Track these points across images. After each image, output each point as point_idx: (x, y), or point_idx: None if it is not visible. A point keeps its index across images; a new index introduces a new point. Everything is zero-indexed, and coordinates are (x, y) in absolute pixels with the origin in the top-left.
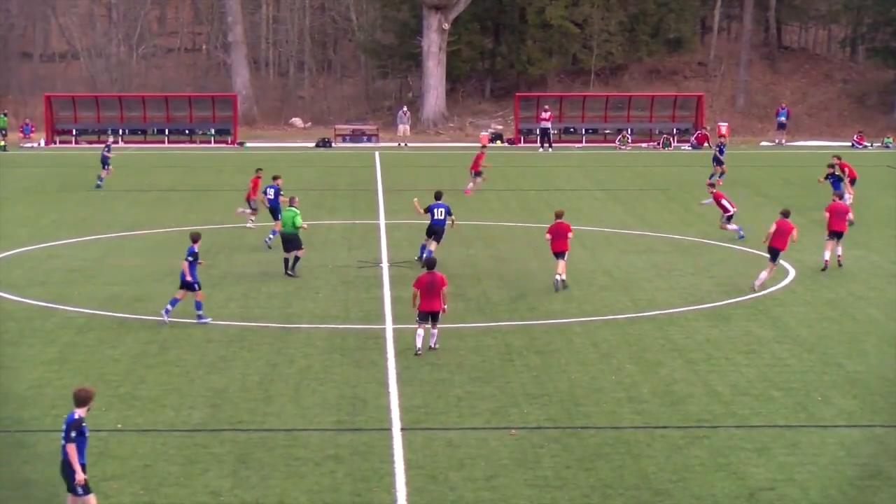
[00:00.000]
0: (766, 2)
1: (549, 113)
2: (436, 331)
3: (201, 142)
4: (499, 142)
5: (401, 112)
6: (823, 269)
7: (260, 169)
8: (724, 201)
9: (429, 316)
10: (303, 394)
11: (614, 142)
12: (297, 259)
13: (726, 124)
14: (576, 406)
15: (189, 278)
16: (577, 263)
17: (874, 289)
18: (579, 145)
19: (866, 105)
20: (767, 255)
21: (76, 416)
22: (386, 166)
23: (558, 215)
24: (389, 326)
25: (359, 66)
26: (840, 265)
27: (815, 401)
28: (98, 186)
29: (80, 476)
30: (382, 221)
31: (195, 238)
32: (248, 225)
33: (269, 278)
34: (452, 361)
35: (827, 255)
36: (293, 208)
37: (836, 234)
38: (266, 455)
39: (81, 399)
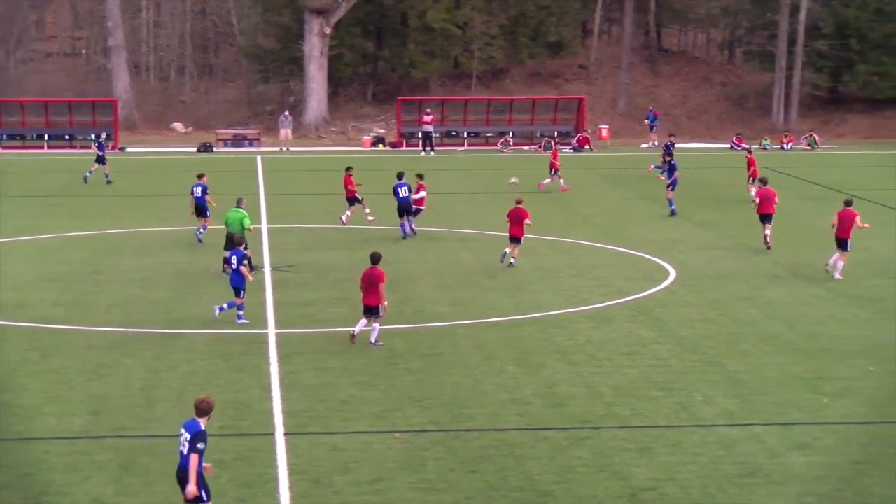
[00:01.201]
0: (646, 5)
1: (431, 116)
2: (376, 326)
3: (82, 147)
4: (381, 145)
5: (283, 116)
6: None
7: (351, 168)
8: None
9: (369, 310)
10: (186, 399)
11: (496, 145)
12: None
13: (607, 127)
14: (460, 409)
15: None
16: (461, 266)
17: (755, 289)
18: (462, 149)
19: (745, 107)
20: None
21: (202, 427)
22: (268, 171)
23: (518, 201)
24: (272, 331)
25: (240, 70)
26: (768, 247)
27: (696, 401)
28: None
29: (192, 489)
30: (265, 226)
31: (240, 242)
32: (369, 218)
33: (153, 284)
34: (337, 365)
35: (769, 240)
36: (241, 209)
37: (766, 217)
38: (150, 461)
39: (204, 409)
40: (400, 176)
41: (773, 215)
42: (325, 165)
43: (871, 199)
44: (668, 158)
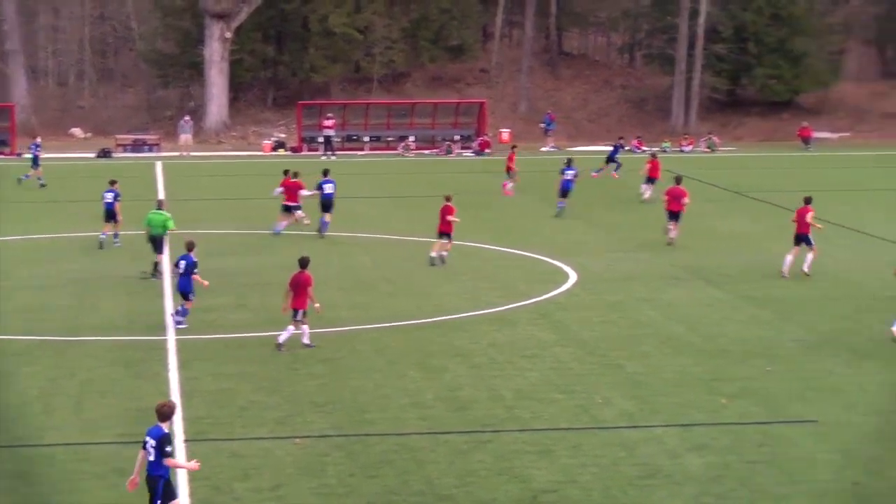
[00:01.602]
0: (546, 9)
1: (332, 120)
2: (305, 328)
3: None
4: (282, 150)
5: (183, 121)
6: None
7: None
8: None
9: (297, 313)
10: (85, 407)
11: (397, 149)
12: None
13: (508, 130)
14: (361, 413)
15: (202, 283)
16: (362, 271)
17: (655, 291)
18: (362, 153)
19: (645, 110)
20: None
21: (165, 431)
22: (168, 176)
23: (447, 198)
24: (172, 337)
25: (140, 75)
26: (671, 243)
27: (596, 403)
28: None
29: (192, 465)
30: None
31: (191, 247)
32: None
33: (55, 290)
34: (237, 371)
35: (672, 235)
36: (163, 212)
37: (673, 215)
38: (47, 470)
39: (166, 413)
40: (325, 172)
41: (682, 213)
42: (226, 171)
43: (769, 200)
44: (612, 160)
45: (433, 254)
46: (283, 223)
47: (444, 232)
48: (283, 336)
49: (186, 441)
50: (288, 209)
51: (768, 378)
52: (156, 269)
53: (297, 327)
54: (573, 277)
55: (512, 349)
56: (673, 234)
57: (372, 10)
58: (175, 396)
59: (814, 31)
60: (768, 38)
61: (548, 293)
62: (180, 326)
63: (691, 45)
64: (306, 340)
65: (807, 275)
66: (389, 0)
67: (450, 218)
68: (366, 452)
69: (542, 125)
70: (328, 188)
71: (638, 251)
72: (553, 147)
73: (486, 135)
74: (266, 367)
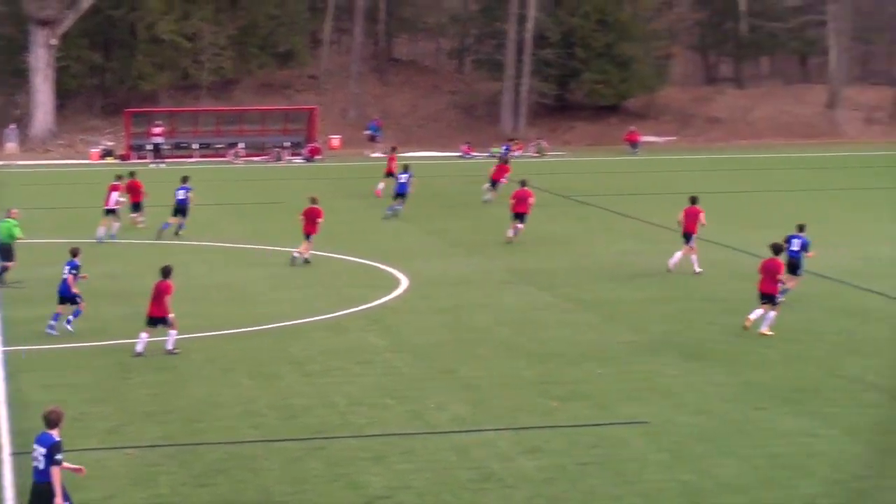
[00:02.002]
0: (375, 15)
1: (160, 128)
2: (172, 333)
3: None
4: (110, 158)
5: (8, 130)
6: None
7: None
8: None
9: (155, 321)
10: None
11: (227, 156)
12: (4, 269)
13: (339, 137)
14: (193, 422)
15: (74, 290)
16: (195, 279)
17: (487, 296)
18: (192, 160)
19: (474, 116)
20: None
21: (56, 438)
22: None
23: (313, 200)
24: (0, 349)
25: None
26: (510, 241)
27: (429, 407)
28: None
29: (59, 501)
30: None
31: (75, 252)
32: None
33: None
34: (67, 382)
35: (511, 233)
36: (11, 220)
37: (519, 216)
38: None
39: (54, 420)
40: (184, 179)
41: (527, 215)
42: (54, 179)
43: (597, 204)
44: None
45: (296, 254)
46: (101, 230)
47: (309, 233)
48: (139, 345)
49: (14, 454)
50: (111, 212)
51: (599, 380)
52: (1, 278)
53: (151, 335)
54: (405, 283)
55: (345, 356)
56: (511, 234)
57: (200, 16)
58: (2, 408)
59: (640, 36)
60: (596, 44)
61: (380, 299)
62: (51, 332)
63: (520, 51)
64: (170, 346)
65: (697, 273)
66: (217, 7)
67: (320, 221)
68: (199, 461)
69: (368, 131)
70: (180, 194)
71: (469, 256)
72: (383, 154)
73: (316, 141)
74: (98, 377)
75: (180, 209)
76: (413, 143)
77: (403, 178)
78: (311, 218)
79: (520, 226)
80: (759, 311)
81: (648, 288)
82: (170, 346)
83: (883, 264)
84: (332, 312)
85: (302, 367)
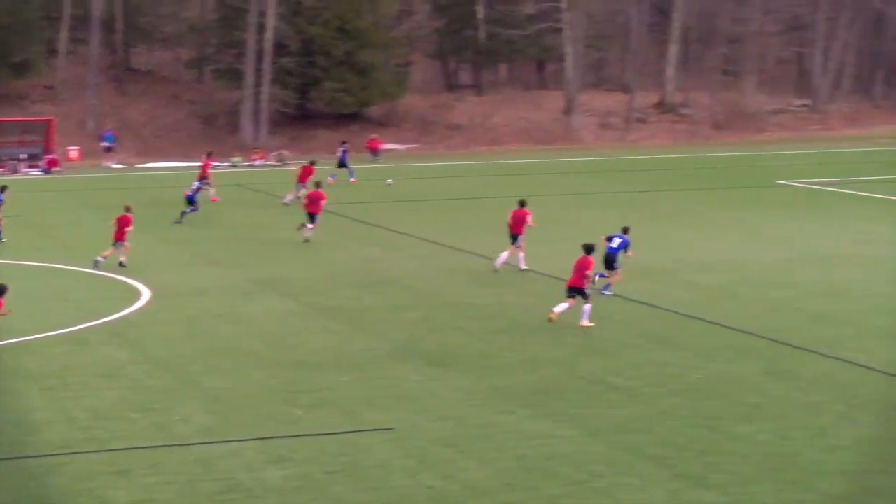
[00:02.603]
0: (112, 24)
1: None
2: None
3: None
4: None
5: None
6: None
7: None
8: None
9: None
10: None
11: None
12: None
13: (77, 148)
14: None
15: None
16: None
17: (231, 306)
18: None
19: (215, 125)
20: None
21: None
22: None
23: (126, 209)
24: None
25: None
26: (307, 241)
27: (174, 420)
28: None
29: None
30: None
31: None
32: None
33: None
34: None
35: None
36: None
37: (311, 217)
38: None
39: None
40: (3, 189)
41: (318, 215)
42: None
43: (340, 212)
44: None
45: (99, 258)
46: None
47: (119, 240)
48: None
49: None
50: None
51: (345, 388)
52: None
53: None
54: (147, 294)
55: (86, 370)
56: (308, 234)
57: None
58: None
59: (380, 44)
60: (336, 52)
61: (121, 311)
62: None
63: (259, 60)
64: None
65: (522, 270)
66: None
67: (129, 229)
68: None
69: (104, 143)
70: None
71: (212, 266)
72: (119, 164)
73: (54, 153)
74: None
75: None
76: (153, 154)
77: (195, 186)
78: (120, 226)
79: (310, 226)
80: (563, 306)
81: (392, 295)
82: None
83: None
84: (72, 326)
85: (41, 382)
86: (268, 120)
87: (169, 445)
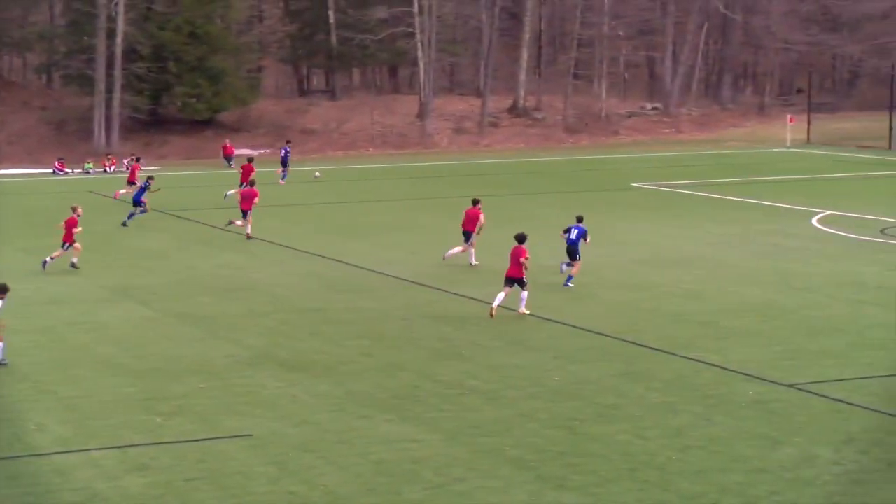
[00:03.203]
0: None
1: None
2: None
3: None
4: None
5: None
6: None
7: None
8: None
9: None
10: None
11: None
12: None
13: None
14: None
15: None
16: None
17: (85, 314)
18: None
19: (66, 132)
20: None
21: None
22: None
23: (73, 209)
24: None
25: None
26: (249, 238)
27: (29, 430)
28: None
29: None
30: None
31: None
32: None
33: None
34: None
35: (247, 227)
36: None
37: (245, 213)
38: None
39: None
40: None
41: (250, 211)
42: None
43: (195, 218)
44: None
45: (48, 259)
46: None
47: (68, 242)
48: None
49: None
50: None
51: (203, 395)
52: None
53: None
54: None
55: None
56: (240, 222)
57: None
58: None
59: (231, 49)
60: (187, 57)
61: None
62: None
63: (110, 65)
64: None
65: (473, 265)
66: None
67: (76, 230)
68: None
69: None
70: None
71: (65, 274)
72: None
73: None
74: None
75: None
76: (4, 160)
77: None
78: (68, 227)
79: (239, 222)
80: (501, 296)
81: (250, 301)
82: None
83: (469, 271)
84: None
85: None
86: (120, 126)
87: (25, 456)
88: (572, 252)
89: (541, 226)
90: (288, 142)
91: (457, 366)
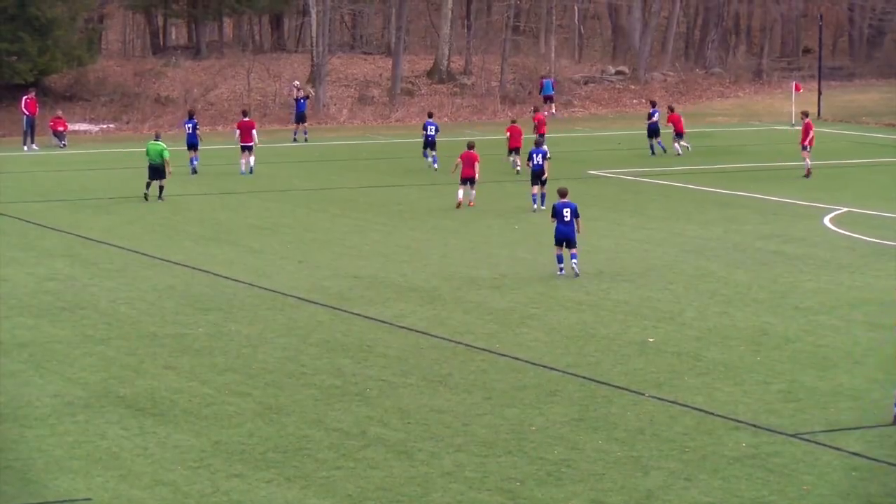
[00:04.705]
0: None
1: None
2: None
3: None
4: None
5: None
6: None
7: None
8: None
9: None
10: None
11: None
12: (161, 188)
13: None
14: None
15: None
16: None
17: None
18: None
19: None
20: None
21: None
22: None
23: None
24: None
25: None
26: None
27: None
28: None
29: None
30: None
31: None
32: None
33: None
34: None
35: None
36: (160, 142)
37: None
38: None
39: None
40: None
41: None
42: None
43: (13, 213)
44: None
45: None
46: None
47: None
48: None
49: None
50: None
51: (26, 447)
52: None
53: None
54: None
55: None
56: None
57: None
58: None
59: None
60: (3, 2)
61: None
62: None
63: None
64: None
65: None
66: None
67: None
68: None
69: None
70: None
71: None
72: None
73: None
74: None
75: None
76: None
77: None
78: None
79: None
80: (460, 193)
81: (84, 324)
82: None
83: (372, 284)
84: None
85: None
86: None
87: None
88: (538, 174)
89: (462, 228)
90: (191, 113)
91: (357, 409)
